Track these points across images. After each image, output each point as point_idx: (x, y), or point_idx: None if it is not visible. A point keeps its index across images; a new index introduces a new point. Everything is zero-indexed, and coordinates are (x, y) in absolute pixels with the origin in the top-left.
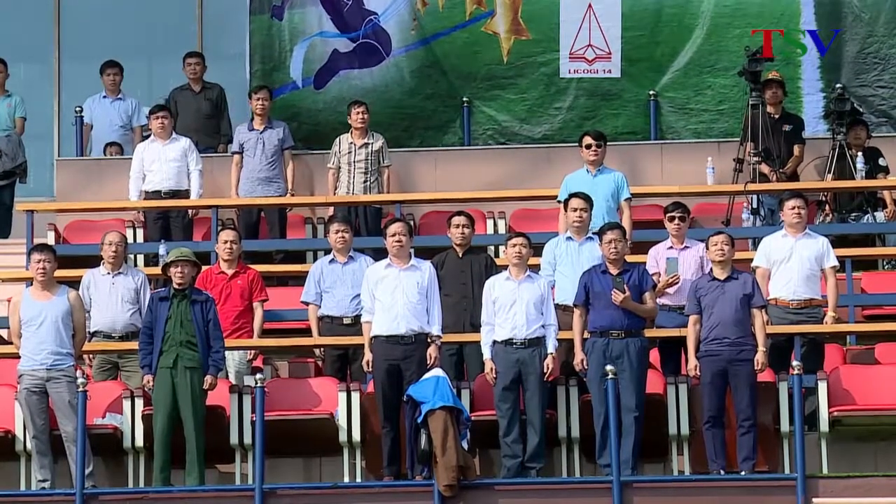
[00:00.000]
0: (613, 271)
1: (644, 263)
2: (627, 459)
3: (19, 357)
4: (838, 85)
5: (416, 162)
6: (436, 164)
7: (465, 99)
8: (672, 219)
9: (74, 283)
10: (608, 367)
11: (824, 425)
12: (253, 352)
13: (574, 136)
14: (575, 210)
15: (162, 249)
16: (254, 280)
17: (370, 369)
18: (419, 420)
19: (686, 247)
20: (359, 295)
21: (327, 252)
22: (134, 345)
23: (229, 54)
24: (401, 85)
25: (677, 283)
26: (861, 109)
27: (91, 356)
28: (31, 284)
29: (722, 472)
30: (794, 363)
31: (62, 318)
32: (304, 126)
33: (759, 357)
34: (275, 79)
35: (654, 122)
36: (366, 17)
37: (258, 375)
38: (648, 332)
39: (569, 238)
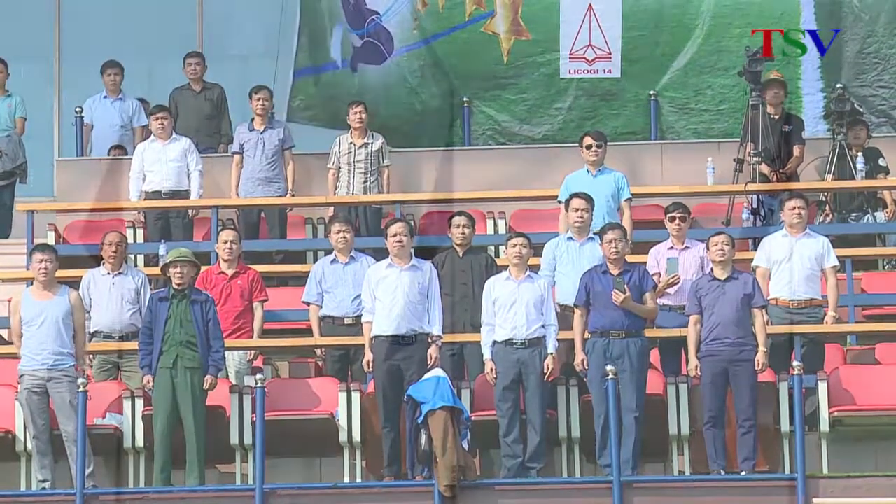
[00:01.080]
0: (614, 271)
1: (644, 264)
2: (627, 459)
3: (19, 357)
4: (838, 85)
5: (416, 162)
6: (436, 164)
7: (465, 99)
8: (672, 219)
9: (74, 283)
10: (608, 368)
11: (824, 425)
12: (253, 352)
13: (574, 136)
14: (576, 210)
15: (162, 249)
16: (254, 280)
17: (370, 369)
18: (419, 420)
19: (686, 247)
20: (360, 295)
21: (328, 252)
22: (134, 345)
23: (230, 54)
24: (403, 84)
25: (678, 283)
26: (861, 109)
27: (91, 356)
28: (31, 284)
29: (722, 472)
30: (794, 363)
31: (63, 319)
32: (344, 108)
33: (760, 357)
34: (318, 57)
35: (654, 122)
36: (368, 16)
37: (258, 375)
38: (649, 332)
39: (569, 238)
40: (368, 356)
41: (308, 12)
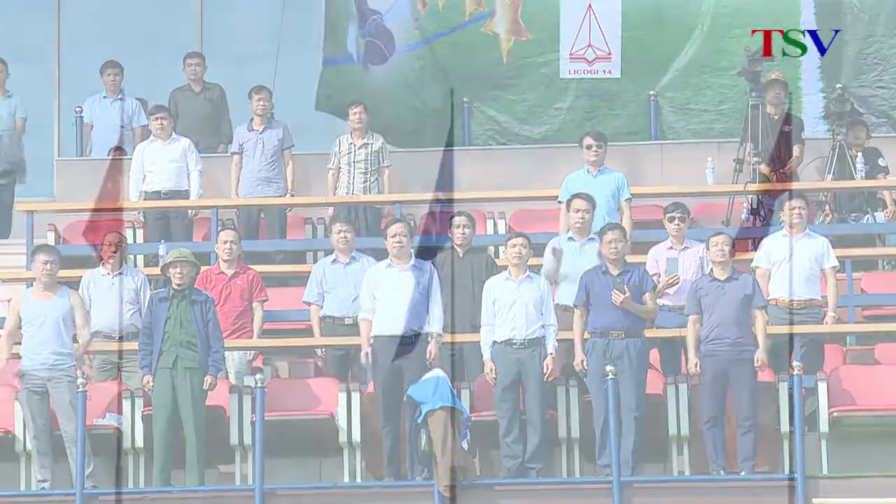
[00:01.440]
0: (614, 272)
1: (644, 264)
2: (627, 459)
3: (18, 357)
4: (838, 85)
5: (416, 162)
6: (436, 164)
7: (465, 99)
8: (672, 219)
9: (74, 284)
10: (608, 367)
11: (824, 425)
12: (253, 352)
13: (574, 136)
14: (577, 211)
15: (162, 249)
16: (254, 280)
17: (368, 360)
18: (419, 420)
19: (686, 247)
20: None
21: (328, 252)
22: (134, 345)
23: (230, 54)
24: (403, 84)
25: (677, 283)
26: (861, 110)
27: (91, 356)
28: (31, 285)
29: (722, 472)
30: (794, 363)
31: (63, 319)
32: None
33: (760, 357)
34: (338, 49)
35: (654, 122)
36: (370, 15)
37: (258, 375)
38: (648, 332)
39: (570, 238)
40: (366, 348)
41: (332, 5)
